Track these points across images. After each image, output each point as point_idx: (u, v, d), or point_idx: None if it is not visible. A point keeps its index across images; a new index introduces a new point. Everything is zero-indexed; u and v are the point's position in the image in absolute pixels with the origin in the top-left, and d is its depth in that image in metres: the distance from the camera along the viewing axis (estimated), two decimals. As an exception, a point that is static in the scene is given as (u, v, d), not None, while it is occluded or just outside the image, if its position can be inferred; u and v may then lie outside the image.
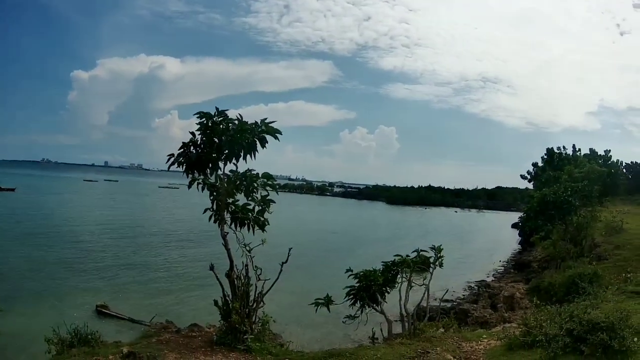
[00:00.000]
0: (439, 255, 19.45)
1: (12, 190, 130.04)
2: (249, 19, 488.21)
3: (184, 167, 13.38)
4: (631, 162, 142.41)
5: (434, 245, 19.70)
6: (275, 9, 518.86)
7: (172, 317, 20.85)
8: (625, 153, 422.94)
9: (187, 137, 13.46)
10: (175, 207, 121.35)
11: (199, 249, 56.71)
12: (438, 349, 13.92)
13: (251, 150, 12.91)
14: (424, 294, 19.03)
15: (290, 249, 13.96)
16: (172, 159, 13.39)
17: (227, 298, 13.50)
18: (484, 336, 16.54)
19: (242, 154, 12.94)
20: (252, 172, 13.35)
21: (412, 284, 18.91)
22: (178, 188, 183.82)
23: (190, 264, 49.00)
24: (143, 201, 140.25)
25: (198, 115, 13.14)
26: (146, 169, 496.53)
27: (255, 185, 13.33)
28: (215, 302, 13.65)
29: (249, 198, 13.45)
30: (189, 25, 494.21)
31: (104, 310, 30.80)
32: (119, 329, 26.07)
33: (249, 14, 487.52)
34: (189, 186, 13.60)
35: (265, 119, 13.11)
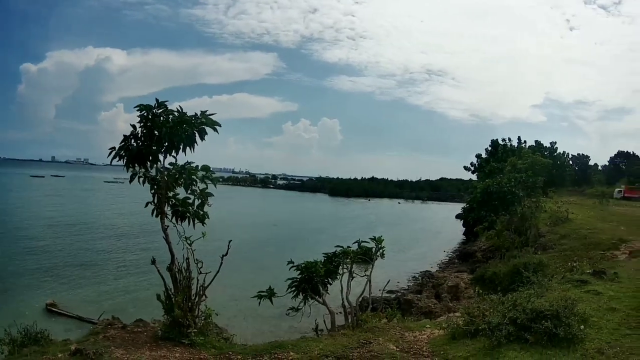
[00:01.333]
0: (380, 246, 19.54)
1: None
2: (195, 11, 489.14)
3: (125, 160, 13.19)
4: (577, 154, 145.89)
5: (375, 236, 19.78)
6: (222, 1, 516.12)
7: (118, 313, 20.51)
8: (572, 145, 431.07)
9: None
10: (120, 202, 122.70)
11: (143, 243, 57.34)
12: (380, 339, 14.00)
13: (190, 142, 12.82)
14: (366, 284, 19.04)
15: (230, 242, 13.88)
16: (114, 153, 13.18)
17: (169, 292, 13.44)
18: (428, 326, 16.71)
19: (181, 147, 12.85)
20: (192, 165, 13.30)
21: (354, 275, 19.01)
22: (123, 183, 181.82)
23: (135, 258, 49.67)
24: (88, 197, 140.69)
25: (138, 107, 12.99)
26: (92, 164, 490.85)
27: (195, 178, 13.26)
28: (158, 297, 13.59)
29: (189, 191, 13.38)
30: (136, 17, 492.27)
31: (53, 308, 31.11)
32: (69, 327, 26.22)
33: (196, 5, 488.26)
34: (131, 180, 13.48)
35: (205, 111, 13.06)
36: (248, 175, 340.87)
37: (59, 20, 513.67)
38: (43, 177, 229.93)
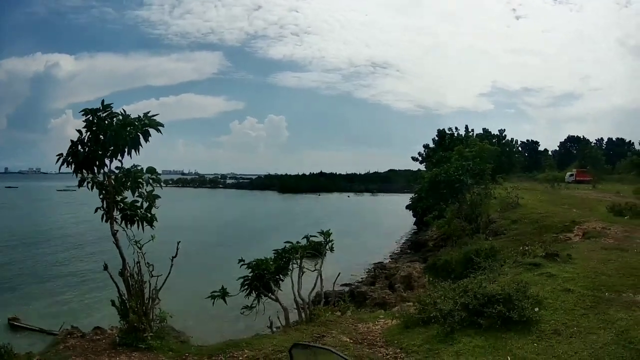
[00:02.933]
0: (328, 239, 19.81)
1: None
2: (141, 12, 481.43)
3: (73, 167, 13.05)
4: (527, 140, 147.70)
5: (322, 230, 20.01)
6: (167, 1, 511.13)
7: (78, 322, 20.40)
8: (520, 132, 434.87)
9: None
10: (72, 210, 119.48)
11: (97, 249, 55.91)
12: (334, 332, 14.12)
13: (135, 145, 12.71)
14: (317, 279, 19.30)
15: (178, 243, 13.95)
16: (61, 160, 13.03)
17: (123, 297, 13.39)
18: (381, 316, 16.83)
19: (126, 150, 12.72)
20: (138, 168, 13.24)
21: (304, 270, 19.16)
22: (75, 190, 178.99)
23: (90, 266, 48.53)
24: (41, 207, 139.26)
25: (84, 112, 12.86)
26: (44, 173, 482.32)
27: (141, 180, 13.19)
28: (113, 302, 13.56)
29: (136, 194, 13.29)
30: (82, 21, 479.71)
31: (16, 323, 30.65)
32: (32, 340, 25.70)
33: (141, 6, 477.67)
34: (79, 186, 13.38)
35: (148, 112, 12.98)
36: (197, 176, 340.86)
37: (6, 27, 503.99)
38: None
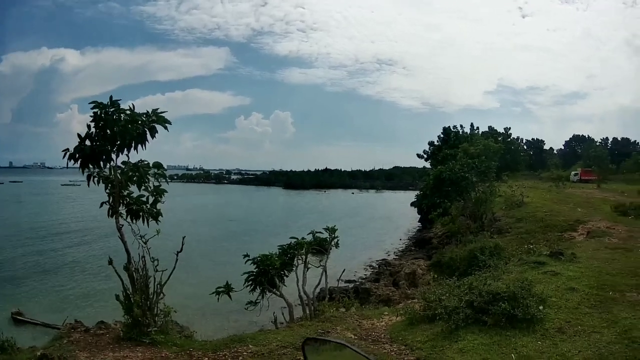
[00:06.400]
0: (333, 235, 19.89)
1: None
2: (147, 7, 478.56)
3: (80, 162, 13.02)
4: (532, 139, 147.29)
5: (328, 227, 20.07)
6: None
7: (82, 316, 20.42)
8: (526, 130, 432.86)
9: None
10: (77, 204, 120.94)
11: (101, 244, 56.54)
12: (338, 328, 14.13)
13: (142, 140, 12.79)
14: (322, 275, 19.41)
15: (184, 237, 13.92)
16: (68, 154, 13.00)
17: (127, 292, 13.36)
18: (386, 313, 16.82)
19: (133, 145, 12.79)
20: (144, 163, 13.26)
21: (309, 266, 19.26)
22: (80, 185, 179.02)
23: (95, 260, 48.76)
24: (46, 201, 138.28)
25: (94, 104, 12.82)
26: (49, 167, 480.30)
27: (148, 175, 13.24)
28: (117, 297, 13.52)
29: (142, 189, 13.36)
30: (88, 15, 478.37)
31: (19, 317, 30.60)
32: (35, 334, 25.61)
33: (148, 1, 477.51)
34: (88, 180, 13.36)
35: (157, 109, 12.98)
36: (202, 172, 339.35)
37: (11, 22, 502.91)
38: (2, 183, 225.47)
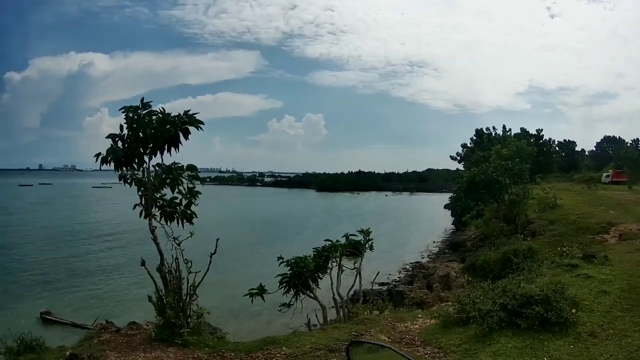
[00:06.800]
0: (368, 238, 19.80)
1: None
2: (175, 12, 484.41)
3: (113, 164, 13.17)
4: (564, 140, 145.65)
5: (362, 229, 20.01)
6: (202, 1, 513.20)
7: (112, 317, 20.60)
8: (557, 131, 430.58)
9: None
10: (108, 206, 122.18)
11: (133, 245, 56.56)
12: (372, 330, 14.05)
13: (175, 142, 12.88)
14: (356, 277, 19.38)
15: (217, 240, 13.93)
16: (101, 158, 13.16)
17: (160, 293, 13.43)
18: (420, 316, 16.71)
19: (165, 147, 12.89)
20: (178, 165, 13.33)
21: (343, 268, 19.23)
22: (111, 187, 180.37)
23: (125, 261, 49.42)
24: (77, 203, 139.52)
25: (124, 109, 13.00)
26: (80, 170, 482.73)
27: (181, 178, 13.32)
28: (149, 298, 13.61)
29: (175, 191, 13.44)
30: (116, 20, 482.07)
31: (48, 317, 30.79)
32: (64, 334, 25.69)
33: (175, 6, 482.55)
34: (124, 182, 13.46)
35: (189, 110, 13.05)
36: (235, 174, 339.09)
37: (39, 28, 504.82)
38: (31, 185, 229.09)
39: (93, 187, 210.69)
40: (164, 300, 13.25)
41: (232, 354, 12.09)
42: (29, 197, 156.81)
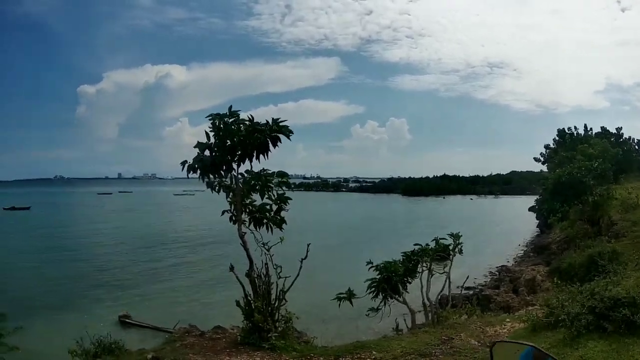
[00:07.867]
0: (457, 242, 19.60)
1: (27, 209, 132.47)
2: (250, 22, 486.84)
3: (199, 172, 13.44)
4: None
5: (452, 233, 19.84)
6: (277, 10, 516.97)
7: (195, 321, 20.66)
8: (636, 129, 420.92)
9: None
10: (191, 213, 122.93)
11: (218, 251, 57.18)
12: (462, 335, 13.96)
13: (263, 150, 12.98)
14: (445, 281, 19.21)
15: (308, 245, 14.01)
16: (187, 166, 13.46)
17: (248, 298, 13.56)
18: (508, 320, 16.60)
19: (254, 155, 13.00)
20: (267, 172, 13.47)
21: (433, 273, 19.06)
22: (194, 194, 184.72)
23: (210, 266, 49.39)
24: (159, 210, 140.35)
25: (210, 117, 13.22)
26: (160, 178, 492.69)
27: (270, 184, 13.45)
28: (237, 303, 13.76)
29: (265, 197, 13.57)
30: (189, 32, 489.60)
31: (126, 320, 30.95)
32: (143, 337, 25.98)
33: (250, 16, 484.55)
34: (212, 189, 13.80)
35: (278, 118, 13.15)
36: (319, 180, 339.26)
37: (111, 42, 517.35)
38: (111, 194, 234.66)
39: (175, 194, 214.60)
40: (253, 305, 13.42)
41: (321, 358, 12.18)
42: (112, 205, 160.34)
